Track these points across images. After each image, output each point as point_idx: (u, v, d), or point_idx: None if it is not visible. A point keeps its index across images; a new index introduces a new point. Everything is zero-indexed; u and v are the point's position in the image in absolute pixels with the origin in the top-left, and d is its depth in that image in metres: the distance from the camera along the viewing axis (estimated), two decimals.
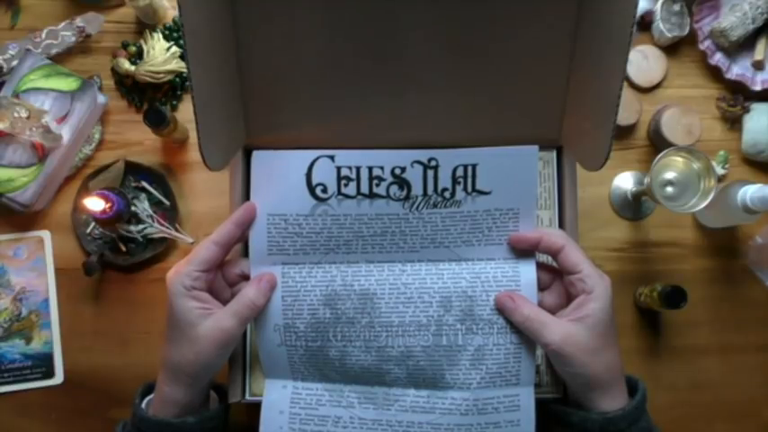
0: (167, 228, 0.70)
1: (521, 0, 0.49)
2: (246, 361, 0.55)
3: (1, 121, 0.66)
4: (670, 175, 0.67)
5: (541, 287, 0.52)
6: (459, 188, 0.51)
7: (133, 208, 0.69)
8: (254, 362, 0.55)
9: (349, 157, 0.50)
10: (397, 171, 0.50)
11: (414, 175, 0.51)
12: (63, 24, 0.72)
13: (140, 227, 0.70)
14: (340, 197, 0.51)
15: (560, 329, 0.48)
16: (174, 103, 0.74)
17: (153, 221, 0.70)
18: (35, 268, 0.71)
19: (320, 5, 0.50)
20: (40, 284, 0.71)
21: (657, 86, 0.75)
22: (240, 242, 0.53)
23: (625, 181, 0.74)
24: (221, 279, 0.52)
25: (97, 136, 0.72)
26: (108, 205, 0.65)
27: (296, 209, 0.51)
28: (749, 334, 0.73)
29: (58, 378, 0.70)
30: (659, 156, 0.64)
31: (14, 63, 0.71)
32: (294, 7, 0.50)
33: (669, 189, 0.67)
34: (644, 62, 0.74)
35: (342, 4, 0.49)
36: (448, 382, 0.51)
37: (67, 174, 0.72)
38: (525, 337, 0.51)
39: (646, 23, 0.75)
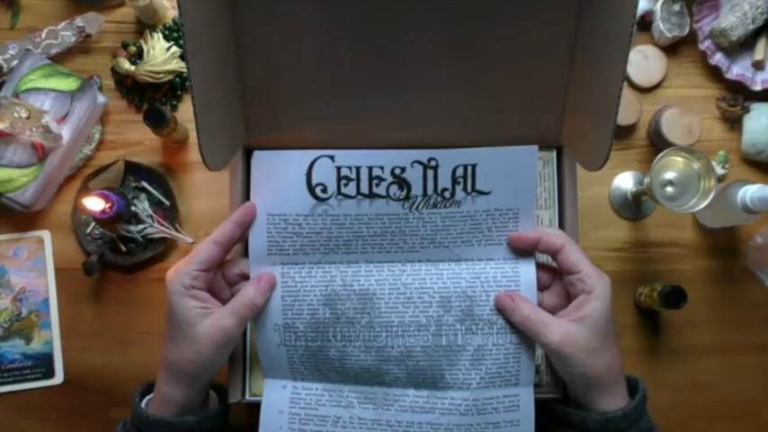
0: (167, 228, 0.70)
1: (521, 0, 0.49)
2: (246, 361, 0.55)
3: (1, 121, 0.66)
4: (670, 175, 0.67)
5: (541, 287, 0.52)
6: (458, 188, 0.51)
7: (133, 208, 0.69)
8: (254, 362, 0.55)
9: (349, 157, 0.50)
10: (397, 171, 0.50)
11: (414, 175, 0.51)
12: (63, 24, 0.72)
13: (140, 227, 0.70)
14: (340, 197, 0.51)
15: (560, 329, 0.48)
16: (174, 103, 0.74)
17: (153, 221, 0.70)
18: (35, 268, 0.71)
19: (320, 5, 0.50)
20: (40, 284, 0.71)
21: (657, 86, 0.75)
22: (240, 242, 0.53)
23: (625, 181, 0.74)
24: (221, 279, 0.52)
25: (97, 136, 0.72)
26: (108, 205, 0.65)
27: (296, 209, 0.51)
28: (749, 334, 0.73)
29: (58, 378, 0.70)
30: (659, 156, 0.64)
31: (14, 63, 0.71)
32: (294, 7, 0.50)
33: (669, 189, 0.67)
34: (644, 62, 0.74)
35: (342, 4, 0.49)
36: (447, 382, 0.51)
37: (67, 174, 0.72)
38: (525, 337, 0.51)
39: (646, 23, 0.75)
